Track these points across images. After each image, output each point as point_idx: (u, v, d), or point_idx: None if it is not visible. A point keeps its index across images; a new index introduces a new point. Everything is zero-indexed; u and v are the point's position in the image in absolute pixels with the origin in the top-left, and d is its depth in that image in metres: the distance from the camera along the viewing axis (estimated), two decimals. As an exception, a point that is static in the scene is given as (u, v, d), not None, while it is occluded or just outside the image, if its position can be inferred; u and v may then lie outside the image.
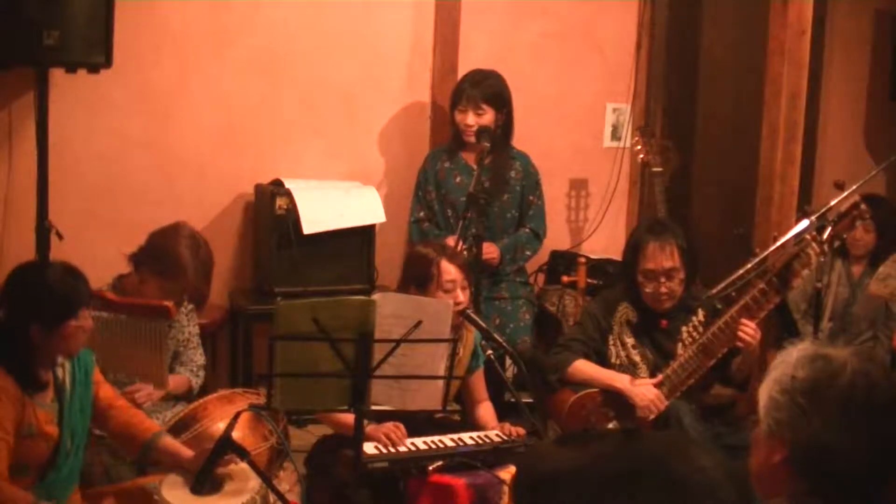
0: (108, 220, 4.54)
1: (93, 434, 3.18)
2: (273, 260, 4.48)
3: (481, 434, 3.52)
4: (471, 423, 3.70)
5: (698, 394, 3.89)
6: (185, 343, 3.83)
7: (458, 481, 3.25)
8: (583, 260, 4.87)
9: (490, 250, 4.44)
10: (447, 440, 3.43)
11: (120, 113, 4.55)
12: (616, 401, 3.83)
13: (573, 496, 1.32)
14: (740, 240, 5.21)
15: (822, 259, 3.84)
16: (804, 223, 3.82)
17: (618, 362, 3.90)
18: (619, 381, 3.82)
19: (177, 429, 3.32)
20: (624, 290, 3.95)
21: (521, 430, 3.50)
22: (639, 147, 4.95)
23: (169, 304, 3.51)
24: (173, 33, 4.60)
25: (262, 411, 3.19)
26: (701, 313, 3.88)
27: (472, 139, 4.54)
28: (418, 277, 3.55)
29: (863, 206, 3.82)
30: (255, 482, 2.91)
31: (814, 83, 5.31)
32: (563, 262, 5.10)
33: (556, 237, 5.26)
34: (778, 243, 3.85)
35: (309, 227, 4.44)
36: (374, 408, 3.04)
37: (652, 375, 3.85)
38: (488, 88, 4.56)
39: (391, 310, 3.01)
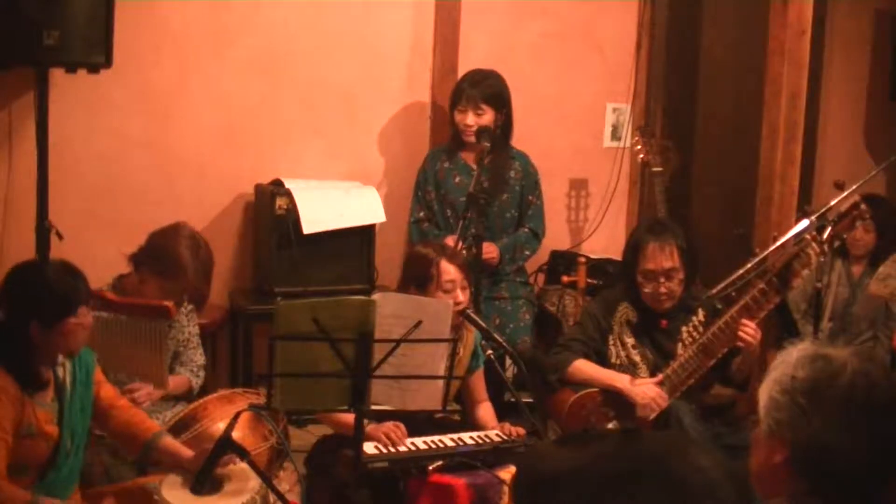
0: (108, 220, 4.54)
1: (93, 434, 3.18)
2: (273, 260, 4.47)
3: (481, 434, 3.52)
4: (471, 424, 3.70)
5: (698, 394, 3.89)
6: (185, 343, 3.83)
7: (458, 481, 3.25)
8: (583, 260, 4.87)
9: (489, 250, 4.44)
10: (447, 440, 3.43)
11: (120, 113, 4.55)
12: (616, 401, 3.83)
13: (573, 496, 1.32)
14: (740, 240, 5.21)
15: (822, 259, 3.84)
16: (804, 223, 3.82)
17: (618, 362, 3.90)
18: (620, 380, 3.82)
19: (177, 429, 3.32)
20: (624, 290, 3.95)
21: (521, 430, 3.50)
22: (639, 147, 4.95)
23: (169, 304, 3.51)
24: (173, 33, 4.60)
25: (262, 411, 3.19)
26: (701, 313, 3.88)
27: (472, 139, 4.54)
28: (418, 278, 3.55)
29: (863, 206, 3.82)
30: (255, 482, 2.91)
31: (814, 83, 5.31)
32: (563, 262, 5.10)
33: (556, 237, 5.26)
34: (778, 243, 3.85)
35: (309, 227, 4.44)
36: (374, 408, 3.04)
37: (652, 375, 3.85)
38: (488, 88, 4.56)
39: (391, 310, 3.01)
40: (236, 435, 2.92)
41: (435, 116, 5.04)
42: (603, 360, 3.91)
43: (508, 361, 4.32)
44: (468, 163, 4.65)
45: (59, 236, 4.01)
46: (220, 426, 3.11)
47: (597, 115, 5.40)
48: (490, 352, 3.56)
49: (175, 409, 3.59)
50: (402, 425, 3.39)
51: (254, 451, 3.06)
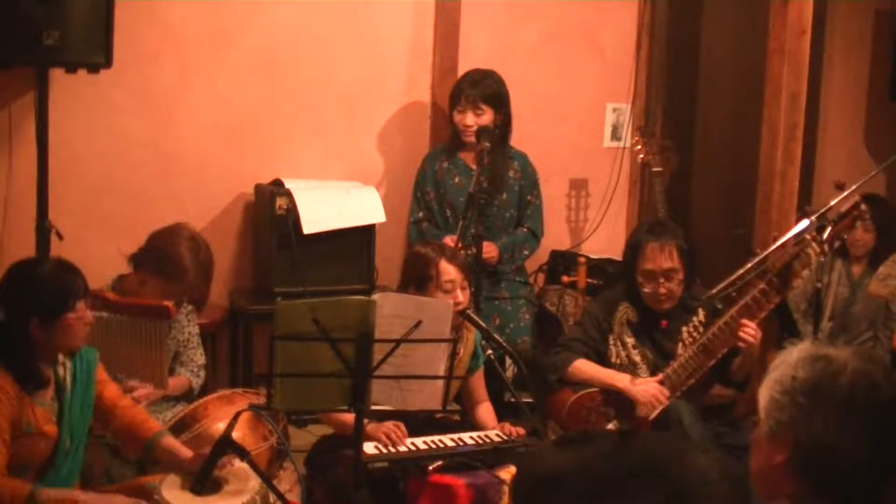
0: (108, 220, 4.54)
1: (93, 434, 3.18)
2: (273, 260, 4.47)
3: (481, 434, 3.52)
4: (471, 424, 3.70)
5: (698, 394, 3.89)
6: (185, 343, 3.83)
7: (458, 481, 3.25)
8: (583, 260, 4.88)
9: (489, 249, 4.44)
10: (447, 440, 3.43)
11: (120, 113, 4.55)
12: (616, 401, 3.83)
13: (572, 497, 1.32)
14: (740, 240, 5.21)
15: (823, 259, 3.84)
16: (804, 223, 3.82)
17: (618, 362, 3.90)
18: (620, 380, 3.82)
19: (177, 429, 3.32)
20: (624, 290, 3.96)
21: (521, 430, 3.50)
22: (639, 147, 4.95)
23: (169, 304, 3.51)
24: (173, 33, 4.60)
25: (262, 411, 3.19)
26: (701, 313, 3.88)
27: (472, 139, 4.54)
28: (417, 278, 3.55)
29: (863, 206, 3.82)
30: (255, 482, 2.92)
31: (814, 83, 5.30)
32: (563, 262, 5.10)
33: (556, 237, 5.26)
34: (778, 243, 3.85)
35: (309, 227, 4.44)
36: (374, 408, 3.04)
37: (652, 375, 3.85)
38: (487, 88, 4.56)
39: (391, 310, 3.01)
40: (236, 435, 2.92)
41: (435, 116, 5.04)
42: (603, 360, 3.91)
43: (508, 361, 4.32)
44: (467, 163, 4.65)
45: (59, 236, 4.01)
46: (220, 426, 3.11)
47: (597, 115, 5.40)
48: (490, 352, 3.56)
49: (175, 410, 3.60)
50: (402, 425, 3.39)
51: (254, 451, 3.06)
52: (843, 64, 5.78)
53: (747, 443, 1.86)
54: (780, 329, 4.85)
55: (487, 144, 4.39)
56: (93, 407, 3.08)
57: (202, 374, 3.88)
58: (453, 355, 3.04)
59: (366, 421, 3.05)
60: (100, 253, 4.11)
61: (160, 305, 3.51)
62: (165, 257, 3.65)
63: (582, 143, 5.38)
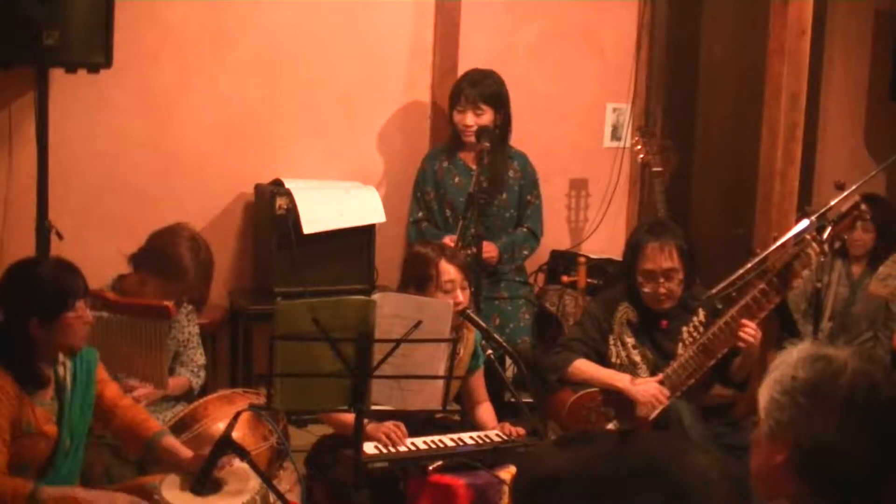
0: (108, 220, 4.54)
1: (94, 433, 3.18)
2: (273, 260, 4.47)
3: (481, 434, 3.52)
4: (471, 424, 3.70)
5: (698, 394, 3.89)
6: (185, 343, 3.83)
7: (458, 481, 3.25)
8: (583, 260, 4.88)
9: (488, 249, 4.44)
10: (447, 440, 3.43)
11: (120, 113, 4.55)
12: (616, 401, 3.83)
13: (572, 497, 1.32)
14: (740, 240, 5.21)
15: (823, 259, 3.84)
16: (804, 223, 3.82)
17: (618, 362, 3.90)
18: (620, 380, 3.82)
19: (177, 429, 3.32)
20: (624, 290, 3.96)
21: (521, 430, 3.50)
22: (639, 147, 4.95)
23: (169, 304, 3.51)
24: (173, 33, 4.60)
25: (262, 411, 3.19)
26: (701, 313, 3.88)
27: (472, 139, 4.54)
28: (417, 278, 3.55)
29: (863, 206, 3.82)
30: (255, 482, 2.92)
31: (814, 83, 5.30)
32: (563, 261, 5.10)
33: (556, 237, 5.26)
34: (778, 243, 3.85)
35: (309, 227, 4.44)
36: (374, 408, 3.04)
37: (652, 375, 3.85)
38: (487, 88, 4.56)
39: (391, 310, 3.01)
40: (236, 435, 2.92)
41: (435, 116, 5.04)
42: (603, 360, 3.92)
43: (508, 361, 4.32)
44: (467, 163, 4.65)
45: (59, 236, 4.02)
46: (220, 426, 3.11)
47: (597, 115, 5.40)
48: (490, 352, 3.56)
49: (175, 410, 3.60)
50: (402, 425, 3.39)
51: (254, 451, 3.06)
52: (843, 64, 5.78)
53: (747, 443, 1.86)
54: (780, 329, 4.85)
55: (487, 144, 4.39)
56: (93, 407, 3.08)
57: (202, 374, 3.88)
58: (453, 355, 3.04)
59: (366, 421, 3.05)
60: (100, 253, 4.11)
61: (160, 305, 3.51)
62: (165, 257, 3.65)
63: (582, 143, 5.38)
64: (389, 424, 3.37)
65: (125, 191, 4.59)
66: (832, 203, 3.98)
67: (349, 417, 3.06)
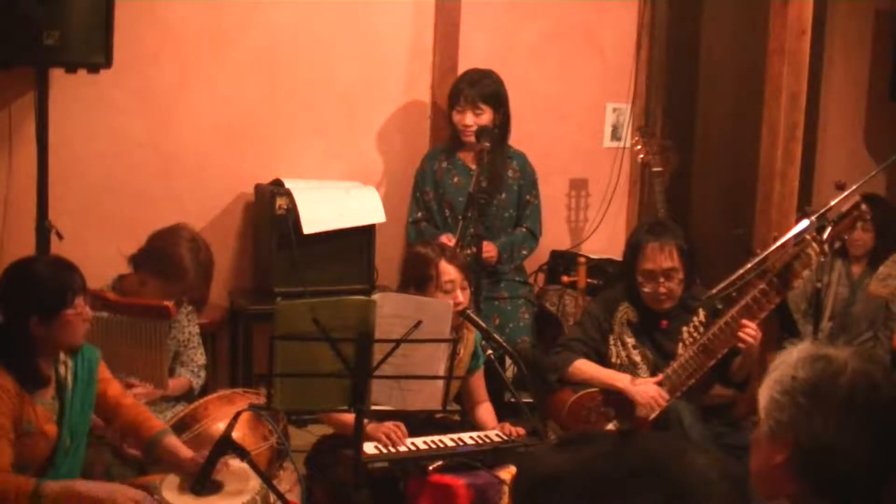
0: (108, 220, 4.54)
1: (94, 433, 3.18)
2: (273, 260, 4.47)
3: (481, 434, 3.52)
4: (471, 424, 3.70)
5: (698, 394, 3.89)
6: (185, 343, 3.83)
7: (458, 481, 3.25)
8: (583, 260, 4.87)
9: (488, 249, 4.44)
10: (447, 440, 3.43)
11: (120, 113, 4.55)
12: (616, 401, 3.83)
13: (571, 497, 1.32)
14: (740, 240, 5.21)
15: (823, 259, 3.84)
16: (804, 223, 3.82)
17: (618, 362, 3.90)
18: (620, 380, 3.82)
19: (177, 429, 3.32)
20: (624, 290, 3.96)
21: (521, 431, 3.50)
22: (639, 147, 4.95)
23: (169, 304, 3.52)
24: (173, 33, 4.60)
25: (262, 411, 3.19)
26: (702, 313, 3.88)
27: (472, 139, 4.54)
28: (417, 278, 3.55)
29: (863, 207, 3.82)
30: (255, 482, 2.92)
31: (814, 83, 5.30)
32: (563, 262, 5.10)
33: (556, 237, 5.26)
34: (778, 243, 3.85)
35: (309, 227, 4.44)
36: (374, 408, 3.04)
37: (652, 375, 3.85)
38: (486, 88, 4.56)
39: (391, 310, 3.01)
40: (236, 435, 2.92)
41: (435, 116, 5.04)
42: (603, 360, 3.92)
43: (508, 361, 4.32)
44: (466, 163, 4.65)
45: (59, 236, 4.02)
46: (220, 426, 3.11)
47: (597, 115, 5.40)
48: (490, 352, 3.56)
49: (175, 410, 3.60)
50: (402, 425, 3.39)
51: (254, 451, 3.06)
52: (843, 64, 5.78)
53: (747, 443, 1.86)
54: (780, 329, 4.85)
55: (487, 144, 4.39)
56: (95, 405, 3.08)
57: (202, 374, 3.88)
58: (453, 355, 3.04)
59: (366, 421, 3.05)
60: (100, 253, 4.10)
61: (160, 305, 3.51)
62: (165, 258, 3.65)
63: (582, 143, 5.38)
64: (389, 424, 3.37)
65: (125, 191, 4.59)
66: (832, 203, 3.98)
67: (349, 417, 3.06)
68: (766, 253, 3.80)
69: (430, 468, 3.28)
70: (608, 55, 5.35)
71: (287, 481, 3.39)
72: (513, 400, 3.57)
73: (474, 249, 4.15)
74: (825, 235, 3.73)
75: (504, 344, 3.54)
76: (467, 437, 3.47)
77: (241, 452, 2.87)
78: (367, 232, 4.61)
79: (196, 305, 3.94)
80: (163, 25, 4.57)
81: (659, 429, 3.73)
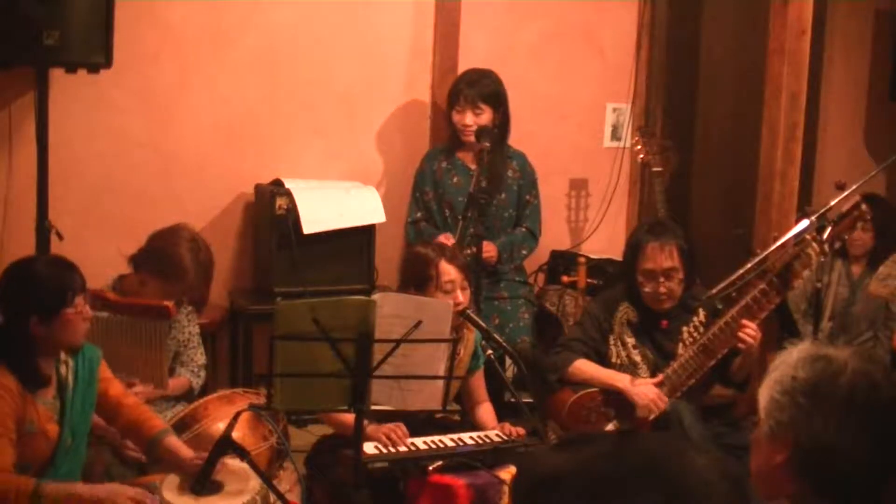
0: (108, 220, 4.54)
1: (95, 433, 3.19)
2: (273, 260, 4.47)
3: (481, 434, 3.52)
4: (471, 424, 3.70)
5: (698, 394, 3.89)
6: (185, 343, 3.83)
7: (458, 481, 3.25)
8: (583, 260, 4.87)
9: (488, 249, 4.44)
10: (447, 440, 3.43)
11: (120, 113, 4.55)
12: (616, 401, 3.83)
13: (572, 497, 1.32)
14: (740, 240, 5.21)
15: (823, 259, 3.84)
16: (804, 223, 3.82)
17: (618, 362, 3.90)
18: (620, 380, 3.82)
19: (177, 429, 3.31)
20: (624, 290, 3.96)
21: (521, 430, 3.50)
22: (639, 147, 4.95)
23: (169, 304, 3.52)
24: (173, 33, 4.60)
25: (262, 411, 3.19)
26: (702, 313, 3.88)
27: (471, 139, 4.54)
28: (417, 278, 3.55)
29: (863, 207, 3.82)
30: (255, 482, 2.92)
31: (814, 83, 5.30)
32: (563, 261, 5.10)
33: (556, 237, 5.26)
34: (778, 243, 3.85)
35: (309, 227, 4.44)
36: (374, 408, 3.04)
37: (652, 375, 3.85)
38: (485, 88, 4.56)
39: (391, 310, 3.01)
40: (236, 435, 2.92)
41: (435, 116, 5.04)
42: (603, 360, 3.91)
43: (508, 361, 4.32)
44: (466, 163, 4.65)
45: (59, 236, 4.02)
46: (220, 426, 3.11)
47: (597, 115, 5.40)
48: (490, 352, 3.56)
49: (175, 410, 3.60)
50: (402, 425, 3.39)
51: (254, 451, 3.06)
52: (843, 64, 5.78)
53: (747, 443, 1.86)
54: (780, 329, 4.85)
55: (487, 144, 4.39)
56: (97, 405, 3.09)
57: (202, 374, 3.88)
58: (453, 355, 3.04)
59: (366, 421, 3.05)
60: (100, 253, 4.11)
61: (160, 305, 3.51)
62: (165, 258, 3.65)
63: (582, 143, 5.38)
64: (389, 425, 3.37)
65: (125, 191, 4.59)
66: (832, 203, 3.98)
67: (349, 417, 3.06)
68: (766, 253, 3.80)
69: (430, 468, 3.28)
70: (608, 55, 5.35)
71: (287, 481, 3.39)
72: (513, 400, 3.57)
73: (474, 249, 4.15)
74: (825, 235, 3.73)
75: (504, 344, 3.53)
76: (467, 437, 3.47)
77: (241, 452, 2.87)
78: (367, 232, 4.61)
79: (196, 305, 3.94)
80: (163, 25, 4.57)
81: (659, 429, 3.73)
